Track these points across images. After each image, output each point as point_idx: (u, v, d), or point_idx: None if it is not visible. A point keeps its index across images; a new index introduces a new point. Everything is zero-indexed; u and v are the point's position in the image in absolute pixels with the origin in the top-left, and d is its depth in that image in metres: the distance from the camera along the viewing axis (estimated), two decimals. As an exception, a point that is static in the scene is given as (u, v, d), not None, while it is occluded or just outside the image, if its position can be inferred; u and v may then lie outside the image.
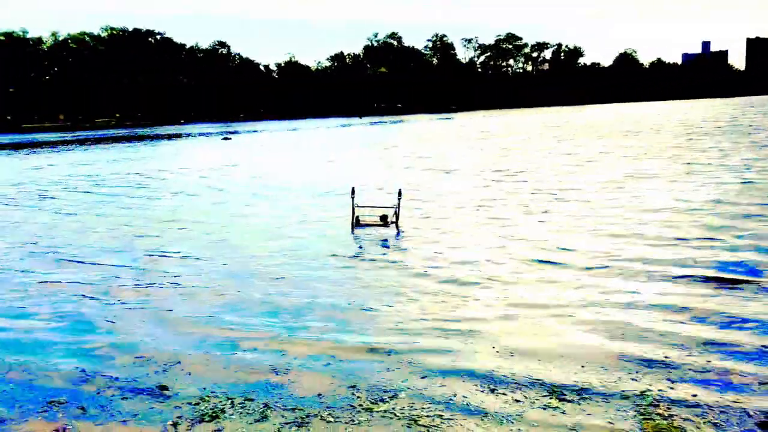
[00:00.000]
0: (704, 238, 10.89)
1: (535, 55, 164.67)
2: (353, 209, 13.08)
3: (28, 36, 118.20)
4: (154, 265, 10.24)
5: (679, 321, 7.13)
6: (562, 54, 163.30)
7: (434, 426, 4.92)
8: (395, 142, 45.37)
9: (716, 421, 4.95)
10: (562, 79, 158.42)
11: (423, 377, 5.81)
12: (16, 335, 7.18)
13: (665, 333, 6.77)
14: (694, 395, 5.39)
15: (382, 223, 12.49)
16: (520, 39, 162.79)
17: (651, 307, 7.60)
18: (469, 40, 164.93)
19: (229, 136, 57.00)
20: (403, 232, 12.66)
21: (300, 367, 6.09)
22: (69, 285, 9.17)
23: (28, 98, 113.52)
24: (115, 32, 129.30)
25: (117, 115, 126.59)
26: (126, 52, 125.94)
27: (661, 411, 5.15)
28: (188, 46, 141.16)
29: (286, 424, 4.98)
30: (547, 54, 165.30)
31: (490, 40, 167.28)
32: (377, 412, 5.14)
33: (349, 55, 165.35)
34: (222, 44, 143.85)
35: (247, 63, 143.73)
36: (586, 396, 5.38)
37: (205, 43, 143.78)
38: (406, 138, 51.08)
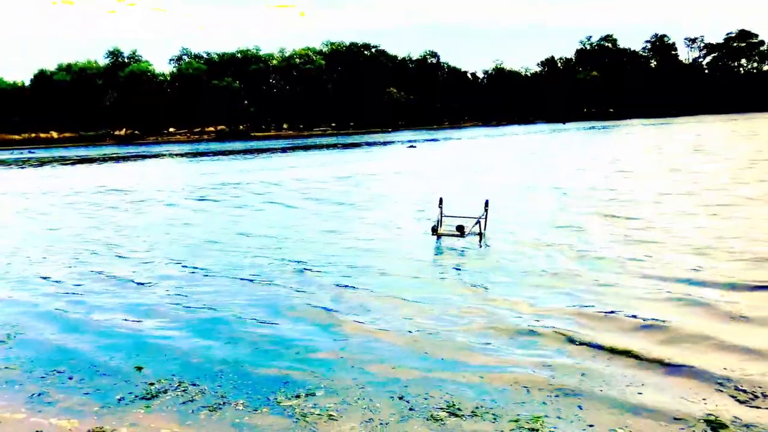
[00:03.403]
0: None
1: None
2: (439, 219, 13.57)
3: (261, 53, 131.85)
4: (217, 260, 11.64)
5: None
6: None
7: (314, 423, 5.48)
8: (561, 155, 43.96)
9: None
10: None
11: (355, 379, 6.33)
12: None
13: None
14: (591, 425, 5.32)
15: (458, 233, 12.77)
16: (755, 36, 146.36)
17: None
18: (693, 40, 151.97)
19: (414, 144, 59.18)
20: (487, 245, 12.88)
21: (251, 357, 6.92)
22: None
23: (258, 109, 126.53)
24: (334, 47, 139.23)
25: (333, 124, 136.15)
26: (343, 65, 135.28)
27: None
28: (400, 57, 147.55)
29: (204, 407, 5.85)
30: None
31: (718, 39, 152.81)
32: (280, 405, 5.82)
33: (560, 59, 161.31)
34: (432, 54, 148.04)
35: (454, 71, 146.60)
36: (478, 414, 5.56)
37: (415, 54, 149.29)
38: (594, 149, 49.11)
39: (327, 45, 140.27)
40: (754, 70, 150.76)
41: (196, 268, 11.57)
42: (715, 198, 17.92)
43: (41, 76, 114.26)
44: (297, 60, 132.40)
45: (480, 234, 13.31)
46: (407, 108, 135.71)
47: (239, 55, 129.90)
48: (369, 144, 67.14)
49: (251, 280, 10.46)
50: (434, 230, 13.19)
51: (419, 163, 37.67)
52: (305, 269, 11.07)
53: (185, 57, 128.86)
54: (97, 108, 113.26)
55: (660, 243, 12.12)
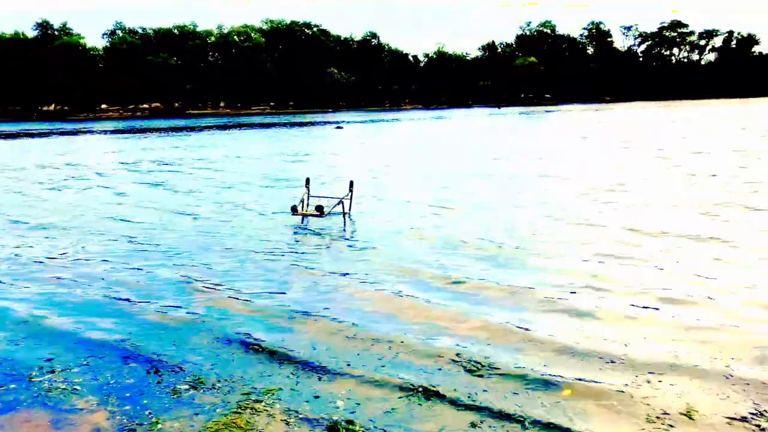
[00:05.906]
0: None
1: (702, 43, 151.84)
2: (303, 199, 13.73)
3: (198, 29, 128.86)
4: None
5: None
6: (734, 42, 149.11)
7: (54, 396, 5.59)
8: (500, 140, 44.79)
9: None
10: (731, 70, 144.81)
11: (121, 354, 6.46)
12: None
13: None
14: (317, 396, 5.57)
15: (317, 213, 12.96)
16: (686, 26, 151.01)
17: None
18: (629, 28, 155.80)
19: (341, 125, 59.23)
20: (351, 223, 13.20)
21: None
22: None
23: (195, 87, 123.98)
24: (274, 25, 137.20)
25: (272, 103, 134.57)
26: (284, 43, 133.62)
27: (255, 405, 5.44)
28: (342, 37, 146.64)
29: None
30: (718, 42, 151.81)
31: (652, 28, 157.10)
32: (31, 380, 5.90)
33: (501, 44, 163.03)
34: (373, 35, 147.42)
35: (395, 53, 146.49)
36: (216, 387, 5.76)
37: (357, 34, 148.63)
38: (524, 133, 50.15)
39: (267, 23, 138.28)
40: (685, 59, 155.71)
41: (53, 244, 11.49)
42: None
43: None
44: (236, 37, 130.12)
45: (344, 213, 13.59)
46: (348, 89, 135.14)
47: (176, 30, 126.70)
48: (297, 124, 66.79)
49: (82, 257, 10.46)
50: (294, 210, 13.30)
51: (328, 145, 37.91)
52: (140, 248, 11.13)
53: (119, 32, 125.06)
54: (24, 82, 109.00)
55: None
